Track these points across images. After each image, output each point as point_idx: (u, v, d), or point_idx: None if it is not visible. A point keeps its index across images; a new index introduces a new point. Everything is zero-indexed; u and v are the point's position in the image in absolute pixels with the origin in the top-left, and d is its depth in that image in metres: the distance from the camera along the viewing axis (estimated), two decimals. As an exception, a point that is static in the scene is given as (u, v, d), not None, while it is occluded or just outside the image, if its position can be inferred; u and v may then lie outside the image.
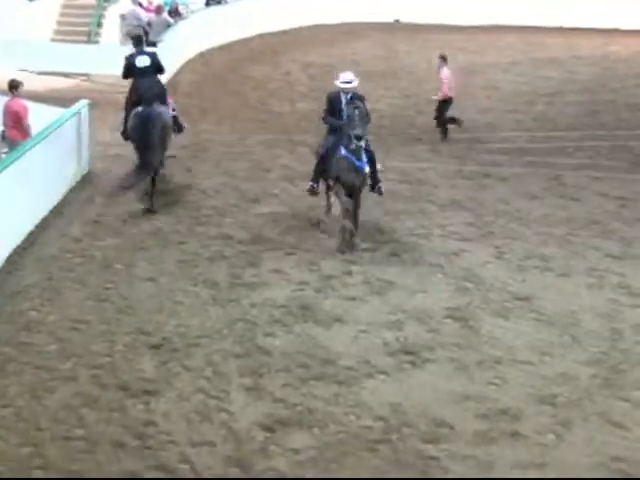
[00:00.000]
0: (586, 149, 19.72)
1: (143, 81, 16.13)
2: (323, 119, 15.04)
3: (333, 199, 15.24)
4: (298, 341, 11.72)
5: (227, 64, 27.63)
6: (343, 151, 14.30)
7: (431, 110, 21.23)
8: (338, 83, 14.85)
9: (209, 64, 27.51)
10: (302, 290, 13.09)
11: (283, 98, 23.38)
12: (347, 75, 14.91)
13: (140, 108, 15.94)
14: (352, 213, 14.33)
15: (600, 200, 16.82)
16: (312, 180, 14.93)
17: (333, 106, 14.81)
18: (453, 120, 20.59)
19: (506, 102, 23.39)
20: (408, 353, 11.45)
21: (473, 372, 11.09)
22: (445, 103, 20.52)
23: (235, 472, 9.35)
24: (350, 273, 13.56)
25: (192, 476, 9.28)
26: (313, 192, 14.92)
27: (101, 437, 9.80)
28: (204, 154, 19.08)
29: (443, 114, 20.54)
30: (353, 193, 14.41)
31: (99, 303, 12.62)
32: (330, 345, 11.63)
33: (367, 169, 14.45)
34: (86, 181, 17.27)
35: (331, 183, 14.86)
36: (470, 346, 11.63)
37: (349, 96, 14.72)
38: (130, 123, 16.08)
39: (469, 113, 22.08)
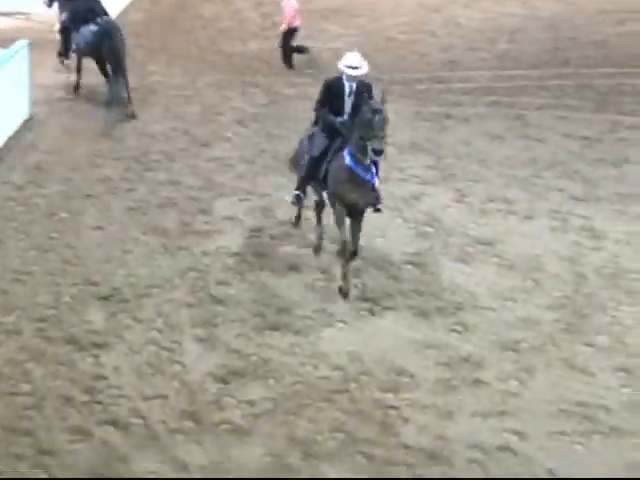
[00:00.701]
0: (550, 88, 19.72)
1: (80, 3, 17.13)
2: (316, 111, 12.33)
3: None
4: (253, 290, 11.77)
5: (176, 2, 27.37)
6: (348, 159, 11.66)
7: (392, 47, 21.16)
8: (341, 67, 12.00)
9: (157, 2, 27.24)
10: (257, 237, 13.11)
11: (234, 37, 23.15)
12: (353, 58, 12.04)
13: (92, 25, 17.28)
14: (351, 245, 11.90)
15: (564, 140, 16.88)
16: (298, 188, 12.49)
17: (332, 96, 12.04)
18: (300, 49, 20.61)
19: (467, 39, 23.28)
20: (366, 300, 11.55)
21: (434, 319, 11.19)
22: (289, 33, 20.51)
23: (189, 425, 9.41)
24: (306, 219, 13.57)
25: (144, 430, 9.32)
26: (299, 204, 12.65)
27: (48, 392, 9.83)
28: (153, 97, 18.92)
29: (288, 45, 20.51)
30: (354, 214, 11.92)
31: (44, 253, 12.59)
32: (286, 294, 11.69)
33: (377, 183, 11.90)
34: (27, 126, 17.12)
35: (324, 197, 12.25)
36: (430, 292, 11.73)
37: (354, 85, 11.99)
38: (84, 39, 17.40)
39: (429, 51, 22.03)
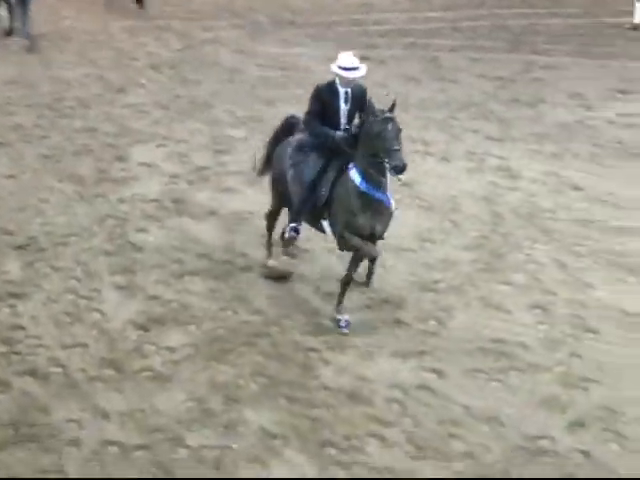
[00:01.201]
0: (464, 29, 19.84)
1: None
2: (307, 124, 10.33)
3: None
4: (171, 236, 11.74)
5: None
6: (359, 181, 9.81)
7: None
8: (335, 69, 10.15)
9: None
10: (174, 184, 13.05)
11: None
12: (348, 58, 10.17)
13: None
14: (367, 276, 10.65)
15: (478, 81, 17.00)
16: (293, 220, 10.53)
17: (325, 105, 10.18)
18: None
19: (382, -19, 23.29)
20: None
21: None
22: None
23: (109, 373, 9.37)
24: (223, 164, 13.53)
25: (64, 379, 9.28)
26: (295, 238, 10.66)
27: (-36, 344, 9.74)
28: (65, 43, 18.70)
29: None
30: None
31: (-44, 204, 12.43)
32: (205, 239, 11.67)
33: (393, 205, 10.09)
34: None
35: (324, 227, 10.36)
36: (349, 235, 11.77)
37: (349, 90, 10.20)
38: None
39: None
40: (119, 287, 10.70)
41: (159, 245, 11.50)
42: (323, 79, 16.42)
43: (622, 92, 16.41)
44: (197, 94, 15.70)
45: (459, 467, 8.38)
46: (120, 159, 13.67)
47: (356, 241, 9.95)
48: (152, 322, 10.10)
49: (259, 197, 12.56)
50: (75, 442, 8.51)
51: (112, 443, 8.50)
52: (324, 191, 10.14)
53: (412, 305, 10.48)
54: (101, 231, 11.79)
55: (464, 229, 11.99)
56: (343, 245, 10.14)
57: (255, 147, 13.94)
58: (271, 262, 11.01)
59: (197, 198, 12.64)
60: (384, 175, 9.73)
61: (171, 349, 9.72)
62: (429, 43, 18.95)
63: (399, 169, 9.43)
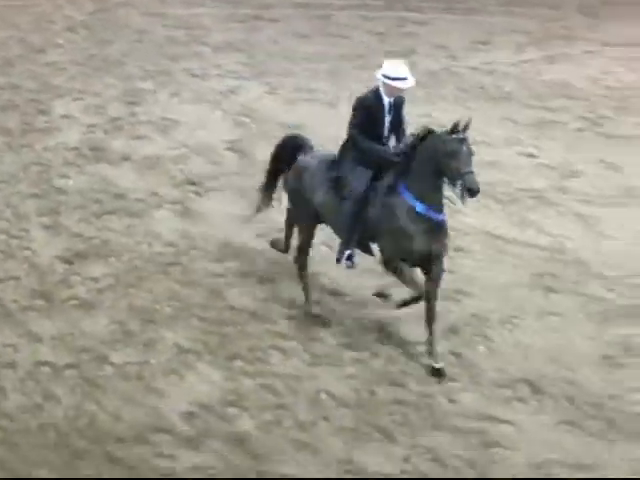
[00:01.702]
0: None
1: None
2: (353, 137, 8.81)
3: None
4: (91, 180, 11.58)
5: None
6: (417, 205, 8.39)
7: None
8: (385, 79, 8.58)
9: None
10: (92, 133, 12.84)
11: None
12: (400, 67, 8.65)
13: None
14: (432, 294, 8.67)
15: (363, 36, 16.91)
16: (345, 245, 8.85)
17: (370, 117, 8.68)
18: None
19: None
20: (193, 184, 11.51)
21: (252, 197, 11.20)
22: None
23: (40, 303, 9.31)
24: (135, 114, 13.36)
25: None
26: (353, 267, 9.00)
27: None
28: (-13, 9, 18.17)
29: None
30: (430, 264, 8.60)
31: None
32: (121, 182, 11.54)
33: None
34: None
35: (371, 249, 8.91)
36: (249, 174, 11.72)
37: (392, 100, 8.71)
38: None
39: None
40: (46, 227, 10.56)
41: (80, 188, 11.34)
42: (220, 38, 16.41)
43: (483, 43, 16.51)
44: (110, 53, 15.42)
45: (351, 371, 8.51)
46: (43, 112, 13.38)
47: (406, 276, 8.55)
48: (76, 256, 10.02)
49: (169, 143, 12.50)
50: (11, 364, 8.48)
51: (45, 364, 8.48)
52: (374, 211, 8.60)
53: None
54: (28, 177, 11.59)
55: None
56: (391, 270, 8.66)
57: (164, 97, 13.88)
58: (315, 311, 9.24)
59: (113, 145, 12.46)
60: (441, 194, 8.38)
61: (94, 279, 9.67)
62: (320, 2, 18.78)
63: (473, 192, 8.10)
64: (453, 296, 9.45)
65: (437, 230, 8.48)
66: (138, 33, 16.70)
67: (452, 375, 8.49)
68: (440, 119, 13.22)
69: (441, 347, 8.72)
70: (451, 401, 8.23)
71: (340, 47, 16.25)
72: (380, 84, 8.66)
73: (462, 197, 8.21)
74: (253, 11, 18.24)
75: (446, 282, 9.17)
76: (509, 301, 9.45)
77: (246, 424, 7.87)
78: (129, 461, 7.36)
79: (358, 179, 8.69)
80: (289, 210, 9.50)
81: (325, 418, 7.96)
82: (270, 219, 10.71)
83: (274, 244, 9.80)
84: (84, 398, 8.09)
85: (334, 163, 8.95)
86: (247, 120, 13.27)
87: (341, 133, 12.73)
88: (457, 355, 8.75)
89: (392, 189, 8.53)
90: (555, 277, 9.86)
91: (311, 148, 9.42)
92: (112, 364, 8.49)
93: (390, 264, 8.61)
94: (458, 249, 10.16)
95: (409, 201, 8.42)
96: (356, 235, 8.72)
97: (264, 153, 12.15)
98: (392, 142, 8.83)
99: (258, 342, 8.85)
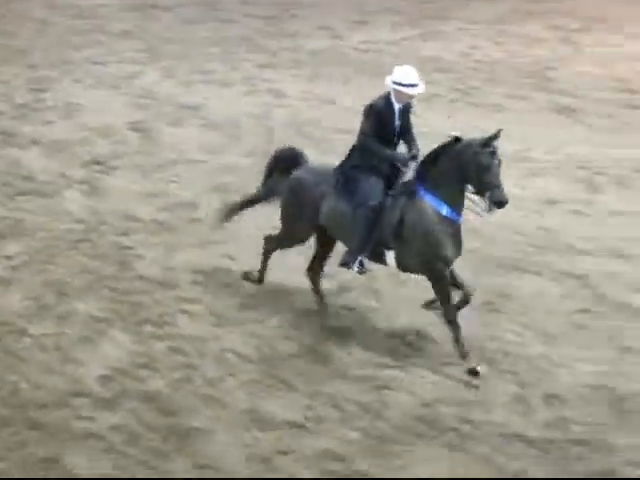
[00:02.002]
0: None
1: None
2: (364, 145, 8.12)
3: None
4: (2, 163, 11.33)
5: None
6: (440, 206, 7.89)
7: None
8: (397, 86, 8.04)
9: None
10: (1, 120, 12.55)
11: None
12: (411, 73, 8.08)
13: None
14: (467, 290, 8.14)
15: (251, 20, 16.82)
16: (358, 252, 8.20)
17: (382, 123, 8.08)
18: None
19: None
20: (98, 164, 11.35)
21: (154, 174, 11.14)
22: None
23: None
24: (41, 101, 13.10)
25: None
26: (365, 271, 8.37)
27: None
28: None
29: None
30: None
31: None
32: (30, 164, 11.33)
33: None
34: None
35: (386, 259, 8.23)
36: (150, 153, 11.65)
37: (401, 106, 8.16)
38: None
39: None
40: (-40, 210, 10.34)
41: (-9, 171, 11.12)
42: (118, 26, 16.15)
43: (363, 23, 16.59)
44: (14, 43, 15.08)
45: (252, 329, 8.53)
46: (-50, 102, 13.05)
47: (447, 294, 7.97)
48: (-9, 236, 9.83)
49: (74, 127, 12.30)
50: None
51: (-36, 338, 8.31)
52: (393, 218, 7.97)
53: (205, 205, 10.40)
54: (-60, 163, 11.31)
55: (243, 141, 11.99)
56: (443, 290, 7.99)
57: (67, 84, 13.62)
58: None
59: (22, 130, 12.20)
60: (464, 198, 7.90)
61: (9, 257, 9.48)
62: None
63: (502, 205, 7.71)
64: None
65: (457, 231, 8.00)
66: (41, 24, 16.39)
67: (346, 328, 8.57)
68: (327, 95, 13.36)
69: (336, 301, 8.80)
70: (346, 352, 8.30)
71: (229, 31, 16.15)
72: (391, 90, 8.09)
73: (489, 208, 7.78)
74: (148, 0, 18.00)
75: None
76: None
77: (158, 384, 7.82)
78: (50, 425, 7.27)
79: (372, 186, 8.05)
80: (269, 238, 8.86)
81: (231, 374, 7.97)
82: (172, 194, 10.67)
83: (246, 276, 9.04)
84: (5, 370, 7.94)
85: (342, 171, 8.25)
86: (147, 102, 13.12)
87: (235, 110, 12.78)
88: (350, 309, 8.83)
89: (413, 194, 7.94)
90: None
91: (306, 162, 8.69)
92: (30, 336, 8.34)
93: (442, 283, 7.94)
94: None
95: (434, 205, 7.89)
96: (371, 243, 8.09)
97: (165, 132, 12.17)
98: (401, 148, 8.30)
99: (166, 308, 8.79)
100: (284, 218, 8.65)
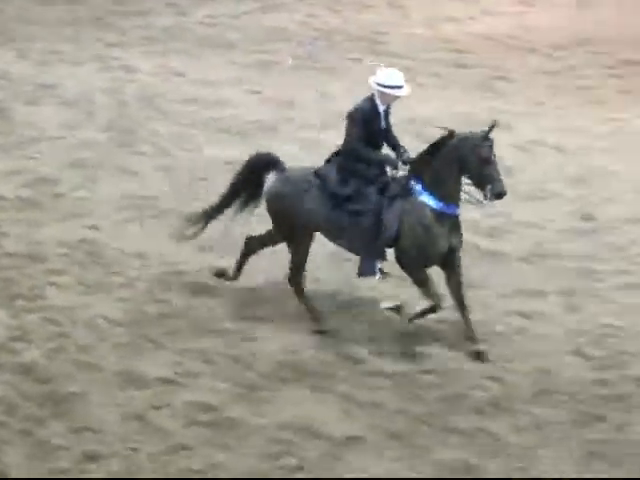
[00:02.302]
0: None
1: None
2: (354, 151, 7.59)
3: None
4: None
5: None
6: (434, 202, 7.53)
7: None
8: (383, 88, 7.56)
9: None
10: None
11: None
12: (395, 75, 7.64)
13: None
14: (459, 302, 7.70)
15: (101, 1, 16.08)
16: (374, 258, 7.81)
17: (368, 126, 7.60)
18: None
19: None
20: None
21: (14, 152, 10.66)
22: None
23: None
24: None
25: None
26: (384, 276, 7.98)
27: None
28: None
29: None
30: (451, 261, 7.71)
31: None
32: None
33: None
34: None
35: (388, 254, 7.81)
36: (9, 132, 11.12)
37: (385, 109, 7.71)
38: None
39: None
40: None
41: None
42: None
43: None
44: None
45: (120, 295, 8.31)
46: None
47: (431, 287, 7.64)
48: None
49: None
50: None
51: None
52: (391, 217, 7.55)
53: (65, 180, 10.02)
54: None
55: (98, 116, 11.53)
56: (419, 279, 7.66)
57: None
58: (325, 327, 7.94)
59: None
60: (460, 190, 7.58)
61: None
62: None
63: (502, 196, 7.47)
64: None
65: (455, 225, 7.63)
66: None
67: (213, 288, 8.42)
68: (177, 69, 13.03)
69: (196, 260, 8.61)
70: (213, 309, 8.18)
71: (80, 12, 15.52)
72: (375, 92, 7.60)
73: (490, 199, 7.48)
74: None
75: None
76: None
77: (33, 354, 7.56)
78: None
79: (369, 191, 7.58)
80: (251, 239, 8.17)
81: (102, 339, 7.77)
82: (34, 170, 10.25)
83: (219, 273, 8.32)
84: None
85: (332, 179, 7.65)
86: (2, 83, 12.46)
87: (89, 87, 12.31)
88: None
89: (408, 192, 7.57)
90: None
91: (283, 169, 7.92)
92: None
93: (418, 274, 7.62)
94: (202, 179, 10.06)
95: (428, 202, 7.52)
96: (381, 246, 7.62)
97: (22, 112, 11.65)
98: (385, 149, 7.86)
99: (36, 281, 8.48)
100: (281, 225, 7.90)
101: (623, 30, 14.18)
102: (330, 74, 12.95)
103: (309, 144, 10.78)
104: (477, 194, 7.56)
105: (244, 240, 8.23)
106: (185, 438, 6.75)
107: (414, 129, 10.73)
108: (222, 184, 8.39)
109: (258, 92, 12.25)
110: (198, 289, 8.40)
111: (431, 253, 7.56)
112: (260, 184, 7.98)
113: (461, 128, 7.82)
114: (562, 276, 8.67)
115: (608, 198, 9.92)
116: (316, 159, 8.24)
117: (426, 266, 7.62)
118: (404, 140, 8.08)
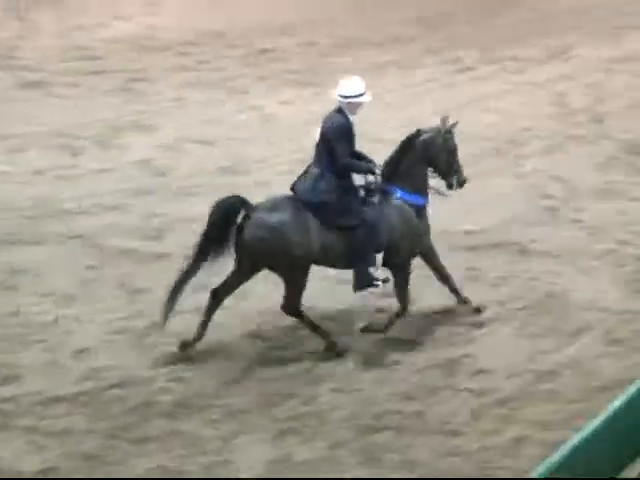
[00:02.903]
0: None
1: None
2: (346, 165, 7.43)
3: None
4: None
5: None
6: (409, 198, 7.63)
7: None
8: (347, 99, 7.39)
9: None
10: None
11: None
12: (356, 83, 7.48)
13: None
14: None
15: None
16: (370, 265, 7.54)
17: (350, 140, 7.47)
18: None
19: None
20: None
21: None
22: None
23: None
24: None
25: None
26: (386, 280, 7.69)
27: None
28: None
29: None
30: (432, 254, 7.89)
31: None
32: None
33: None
34: None
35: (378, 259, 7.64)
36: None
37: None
38: None
39: None
40: None
41: None
42: None
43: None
44: None
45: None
46: None
47: (407, 289, 7.65)
48: None
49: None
50: None
51: None
52: (384, 227, 7.48)
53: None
54: None
55: None
56: (403, 275, 7.64)
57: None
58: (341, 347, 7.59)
59: None
60: (427, 182, 7.74)
61: None
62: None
63: (464, 183, 7.81)
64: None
65: (425, 213, 7.76)
66: None
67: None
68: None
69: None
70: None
71: None
72: (343, 105, 7.40)
73: (455, 188, 7.81)
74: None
75: None
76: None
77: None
78: None
79: (356, 202, 7.48)
80: (216, 290, 7.47)
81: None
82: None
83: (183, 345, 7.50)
84: None
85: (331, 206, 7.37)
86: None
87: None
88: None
89: (386, 194, 7.57)
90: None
91: (251, 207, 7.40)
92: None
93: (406, 271, 7.66)
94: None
95: (408, 199, 7.62)
96: (379, 254, 7.52)
97: None
98: None
99: None
100: (285, 271, 7.42)
101: (256, 21, 14.58)
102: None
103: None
104: (439, 185, 7.85)
105: (210, 294, 7.47)
106: None
107: (64, 142, 10.38)
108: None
109: None
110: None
111: (421, 246, 7.75)
112: (230, 231, 7.39)
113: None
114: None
115: (263, 182, 10.02)
116: None
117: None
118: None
